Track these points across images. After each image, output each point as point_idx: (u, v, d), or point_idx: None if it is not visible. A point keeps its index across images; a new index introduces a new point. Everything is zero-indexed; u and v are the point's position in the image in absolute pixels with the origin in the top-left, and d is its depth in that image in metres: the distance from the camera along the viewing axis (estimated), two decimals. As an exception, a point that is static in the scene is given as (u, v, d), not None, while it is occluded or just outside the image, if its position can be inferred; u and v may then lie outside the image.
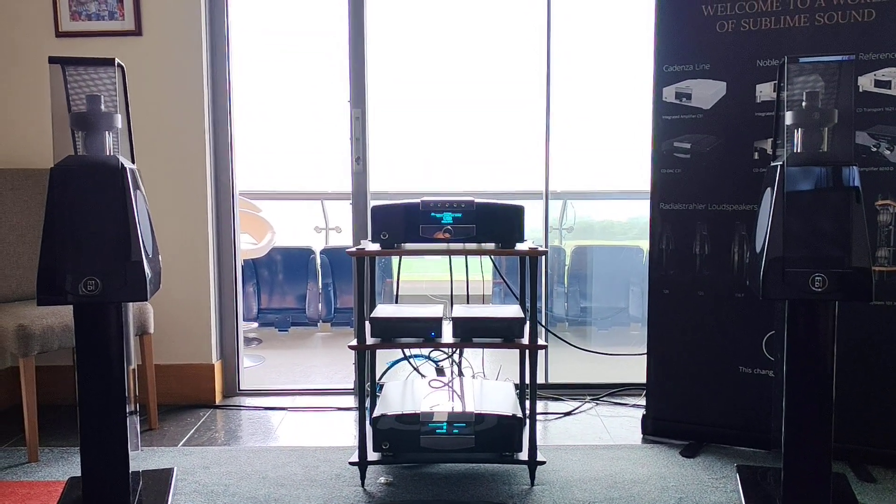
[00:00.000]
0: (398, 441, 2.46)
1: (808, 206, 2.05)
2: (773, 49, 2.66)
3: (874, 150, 2.56)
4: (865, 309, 2.57)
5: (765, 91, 2.69)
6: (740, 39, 2.71)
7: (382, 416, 2.47)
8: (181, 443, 2.92)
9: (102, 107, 2.11)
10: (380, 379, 2.96)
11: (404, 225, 2.45)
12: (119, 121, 2.14)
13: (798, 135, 2.14)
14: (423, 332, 2.45)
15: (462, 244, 2.48)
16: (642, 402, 3.10)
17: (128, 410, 2.15)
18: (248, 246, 4.78)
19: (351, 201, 3.48)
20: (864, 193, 2.04)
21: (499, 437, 2.46)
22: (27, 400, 2.67)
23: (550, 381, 3.60)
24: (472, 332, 2.46)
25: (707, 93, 2.77)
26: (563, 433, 3.01)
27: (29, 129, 3.27)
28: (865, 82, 2.55)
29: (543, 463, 2.50)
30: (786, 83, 2.16)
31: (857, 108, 2.50)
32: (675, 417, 2.89)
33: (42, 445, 2.79)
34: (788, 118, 2.15)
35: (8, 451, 2.80)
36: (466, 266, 2.87)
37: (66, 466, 2.64)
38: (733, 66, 2.73)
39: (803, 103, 2.13)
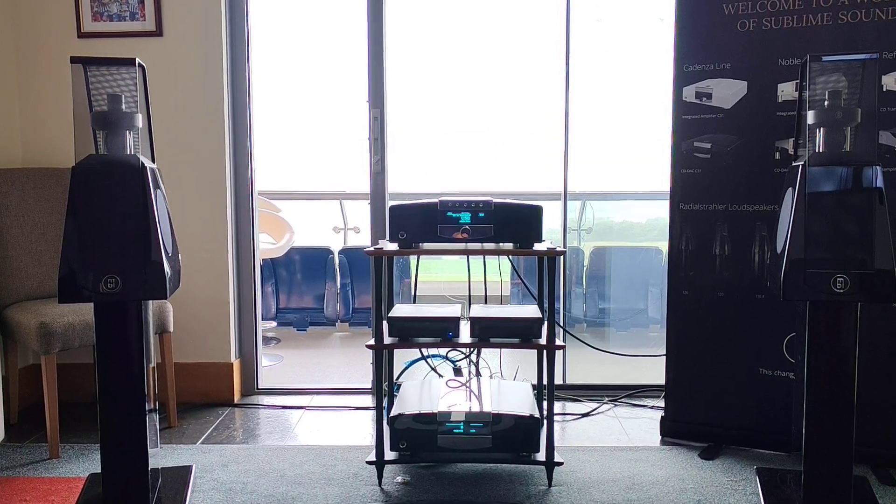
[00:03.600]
0: (415, 440, 2.46)
1: (830, 207, 2.03)
2: (794, 48, 2.64)
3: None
4: (887, 311, 2.54)
5: (786, 90, 2.66)
6: (762, 38, 2.69)
7: (400, 415, 2.47)
8: (200, 440, 2.93)
9: (123, 106, 2.12)
10: (397, 378, 2.96)
11: (422, 225, 2.44)
12: (140, 120, 2.15)
13: (820, 134, 2.12)
14: (441, 331, 2.45)
15: (480, 244, 2.47)
16: (661, 403, 3.08)
17: (147, 408, 2.17)
18: (267, 245, 4.80)
19: (369, 201, 3.48)
20: (887, 194, 2.02)
21: (516, 437, 2.45)
22: (48, 397, 2.70)
23: (568, 381, 3.58)
24: (489, 333, 2.45)
25: (728, 92, 2.75)
26: (580, 434, 3.00)
27: (51, 129, 3.30)
28: (889, 81, 2.52)
29: (561, 464, 2.49)
30: (808, 82, 2.14)
31: (881, 108, 2.47)
32: (693, 419, 2.87)
33: (63, 442, 2.82)
34: (810, 117, 2.13)
35: (29, 447, 2.83)
36: (484, 266, 2.86)
37: (87, 463, 2.67)
38: (754, 66, 2.71)
39: (826, 102, 2.11)
